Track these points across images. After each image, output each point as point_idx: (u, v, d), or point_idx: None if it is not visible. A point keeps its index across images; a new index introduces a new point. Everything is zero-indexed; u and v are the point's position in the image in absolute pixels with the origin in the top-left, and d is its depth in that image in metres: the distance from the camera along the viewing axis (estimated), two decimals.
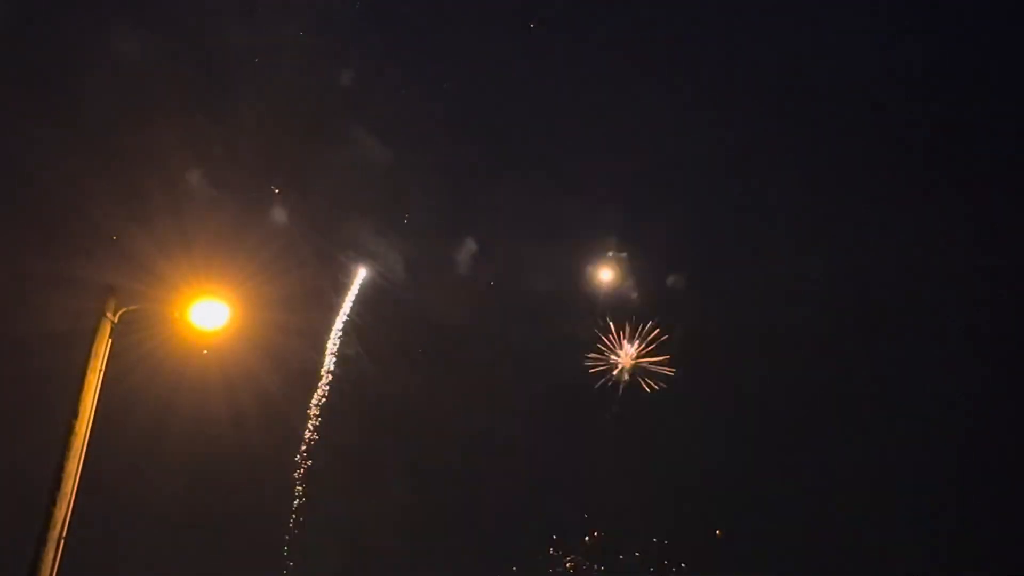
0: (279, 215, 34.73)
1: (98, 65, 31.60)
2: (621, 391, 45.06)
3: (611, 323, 45.70)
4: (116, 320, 12.46)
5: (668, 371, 44.37)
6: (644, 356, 44.63)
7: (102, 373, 12.11)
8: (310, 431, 40.05)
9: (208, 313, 13.26)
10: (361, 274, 37.43)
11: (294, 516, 37.31)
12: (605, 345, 45.30)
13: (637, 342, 44.92)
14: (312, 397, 39.00)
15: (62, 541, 10.97)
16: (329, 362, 38.56)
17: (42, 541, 10.79)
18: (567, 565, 45.06)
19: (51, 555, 10.82)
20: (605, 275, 47.93)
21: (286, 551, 36.99)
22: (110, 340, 12.35)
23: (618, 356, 45.11)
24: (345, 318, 38.95)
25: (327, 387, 40.87)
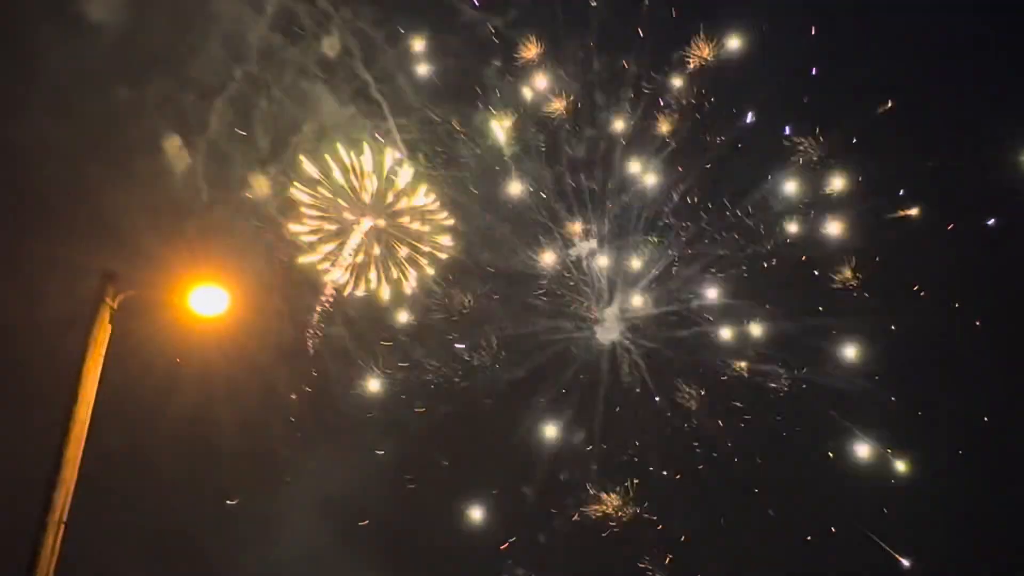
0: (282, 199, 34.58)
1: (93, 48, 31.44)
2: None
3: None
4: (115, 306, 12.47)
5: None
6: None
7: (101, 359, 12.12)
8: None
9: (208, 299, 13.26)
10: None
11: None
12: None
13: None
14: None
15: (62, 526, 11.01)
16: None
17: (42, 526, 10.84)
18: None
19: (51, 540, 10.87)
20: None
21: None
22: (109, 326, 12.36)
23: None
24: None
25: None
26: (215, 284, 13.21)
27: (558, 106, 36.80)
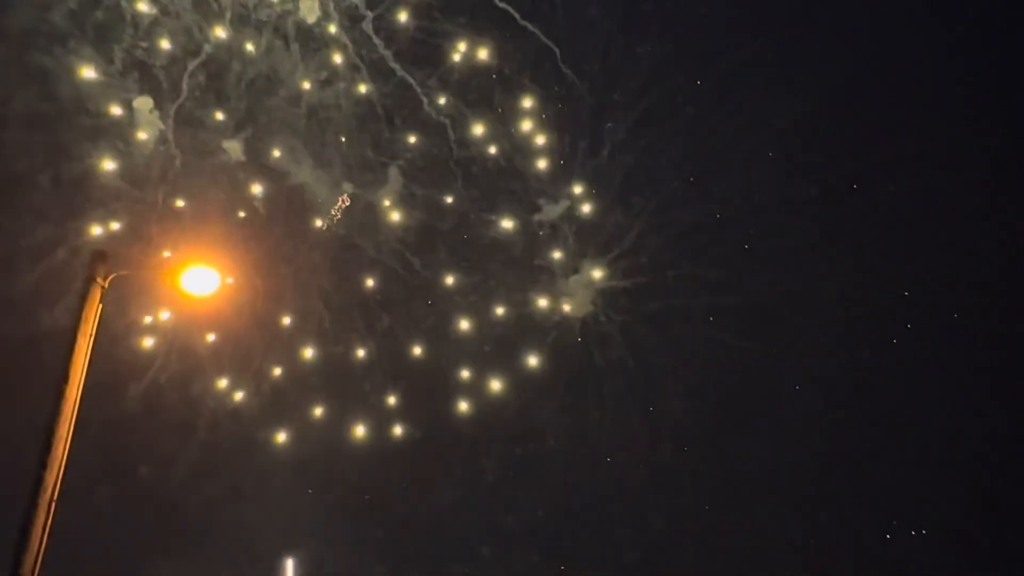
0: (272, 181, 34.41)
1: (86, 19, 31.08)
2: None
3: None
4: (106, 285, 12.43)
5: None
6: None
7: (92, 338, 12.11)
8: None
9: (199, 279, 13.21)
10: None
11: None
12: None
13: None
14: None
15: (53, 505, 11.03)
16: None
17: (33, 505, 10.85)
18: None
19: (42, 519, 10.88)
20: None
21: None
22: (100, 305, 12.34)
23: None
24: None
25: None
26: (206, 264, 13.17)
27: None
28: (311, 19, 33.88)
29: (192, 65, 32.75)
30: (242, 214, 34.11)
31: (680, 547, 38.56)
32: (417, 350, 37.96)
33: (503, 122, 36.94)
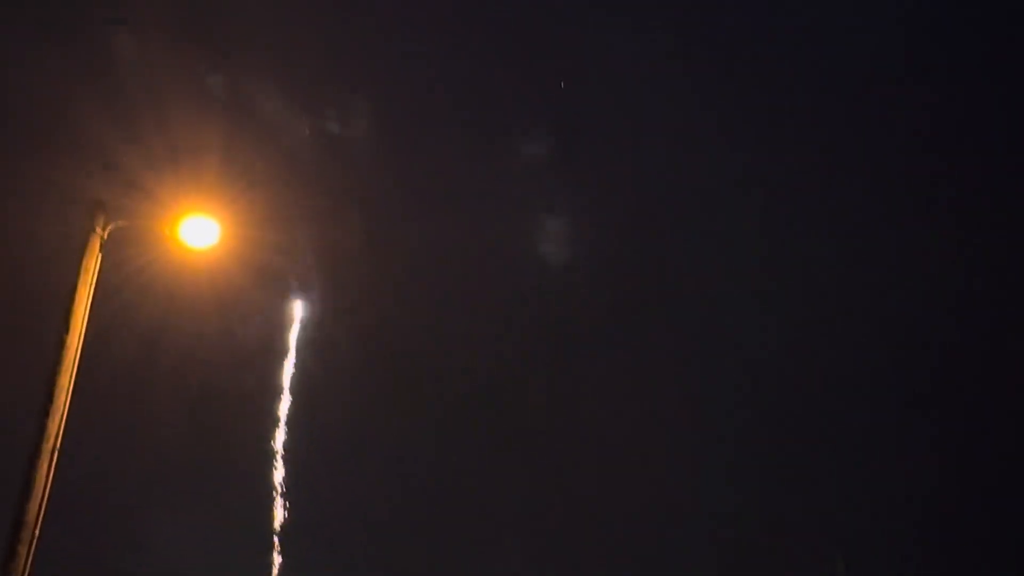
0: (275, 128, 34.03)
1: None
2: None
3: None
4: (105, 236, 12.37)
5: None
6: None
7: (92, 288, 12.09)
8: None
9: (198, 230, 13.12)
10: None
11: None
12: None
13: None
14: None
15: (55, 453, 11.11)
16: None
17: (36, 453, 10.93)
18: None
19: (45, 466, 10.97)
20: None
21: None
22: (99, 255, 12.29)
23: None
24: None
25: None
26: (206, 215, 13.06)
27: None
28: None
29: None
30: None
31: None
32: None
33: None
